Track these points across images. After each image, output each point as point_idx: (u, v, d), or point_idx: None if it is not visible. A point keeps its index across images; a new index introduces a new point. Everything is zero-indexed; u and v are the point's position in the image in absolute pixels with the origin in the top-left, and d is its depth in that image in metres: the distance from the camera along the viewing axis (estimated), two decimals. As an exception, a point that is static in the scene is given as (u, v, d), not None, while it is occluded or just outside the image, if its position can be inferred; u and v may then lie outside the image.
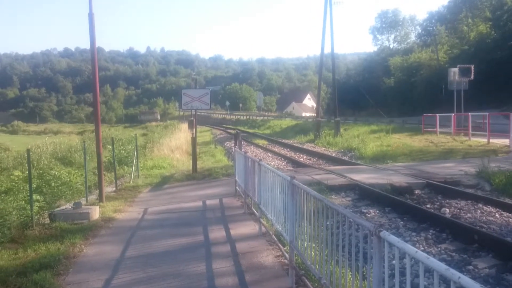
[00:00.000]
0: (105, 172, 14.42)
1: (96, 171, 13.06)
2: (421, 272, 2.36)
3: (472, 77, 23.76)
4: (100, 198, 11.77)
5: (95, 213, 9.73)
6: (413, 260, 2.44)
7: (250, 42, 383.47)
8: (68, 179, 13.27)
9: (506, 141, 17.01)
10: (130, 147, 21.38)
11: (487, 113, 20.31)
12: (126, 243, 7.60)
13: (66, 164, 21.85)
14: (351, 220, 3.42)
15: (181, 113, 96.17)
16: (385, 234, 2.70)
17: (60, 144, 29.13)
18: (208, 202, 10.92)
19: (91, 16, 11.70)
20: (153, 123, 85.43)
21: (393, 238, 2.61)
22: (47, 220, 9.41)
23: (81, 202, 10.33)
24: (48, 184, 12.06)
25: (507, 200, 9.29)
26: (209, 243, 7.27)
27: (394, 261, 3.72)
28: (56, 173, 13.47)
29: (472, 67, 23.97)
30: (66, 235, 8.03)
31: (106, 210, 10.45)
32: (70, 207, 10.00)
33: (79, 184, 13.56)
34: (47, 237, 8.06)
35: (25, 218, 8.91)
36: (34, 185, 10.11)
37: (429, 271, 2.21)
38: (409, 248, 2.42)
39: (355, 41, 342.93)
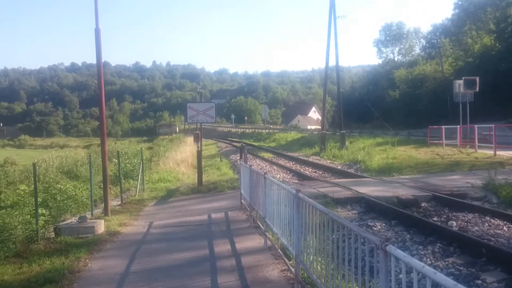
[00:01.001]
0: (110, 186, 14.46)
1: (102, 184, 13.08)
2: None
3: (477, 89, 23.69)
4: (105, 211, 11.77)
5: (100, 227, 9.72)
6: (420, 274, 2.41)
7: (255, 56, 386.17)
8: (74, 193, 13.27)
9: (512, 153, 16.92)
10: (135, 160, 21.43)
11: (493, 125, 20.21)
12: (131, 257, 7.57)
13: (72, 178, 21.88)
14: (357, 234, 3.39)
15: (186, 126, 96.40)
16: (391, 248, 2.68)
17: (66, 158, 29.21)
18: (213, 215, 10.89)
19: (97, 32, 11.83)
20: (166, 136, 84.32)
21: (400, 253, 2.59)
22: (52, 234, 9.41)
23: (87, 216, 10.33)
24: (54, 198, 12.06)
25: (515, 213, 9.19)
26: (214, 257, 7.23)
27: (400, 275, 3.69)
28: (62, 187, 13.48)
29: (477, 79, 23.90)
30: (71, 249, 8.02)
31: (111, 224, 10.45)
32: (75, 221, 10.00)
33: (85, 198, 13.55)
34: (52, 251, 8.05)
35: (30, 232, 8.91)
36: (39, 199, 10.12)
37: (436, 285, 2.17)
38: (415, 262, 2.40)
39: (360, 54, 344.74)
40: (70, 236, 9.01)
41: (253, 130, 75.76)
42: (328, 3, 29.81)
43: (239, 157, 19.31)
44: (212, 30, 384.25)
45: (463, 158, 18.12)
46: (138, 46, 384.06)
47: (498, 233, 7.78)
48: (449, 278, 2.09)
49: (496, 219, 8.66)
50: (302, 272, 5.33)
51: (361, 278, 3.59)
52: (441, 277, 2.14)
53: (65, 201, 12.22)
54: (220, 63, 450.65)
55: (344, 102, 35.61)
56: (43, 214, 10.03)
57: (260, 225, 8.21)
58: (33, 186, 10.18)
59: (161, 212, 12.53)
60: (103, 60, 12.45)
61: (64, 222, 10.29)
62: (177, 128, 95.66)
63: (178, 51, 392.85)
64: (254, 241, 7.91)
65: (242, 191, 10.85)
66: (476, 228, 8.14)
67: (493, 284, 5.58)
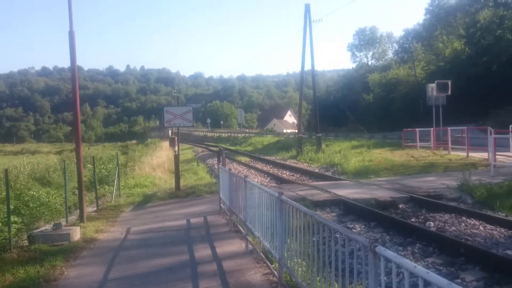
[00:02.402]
0: (85, 192, 14.13)
1: (76, 191, 12.80)
2: None
3: (449, 92, 24.21)
4: (81, 218, 11.50)
5: (76, 234, 9.48)
6: (410, 274, 2.39)
7: (230, 60, 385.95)
8: (47, 200, 12.90)
9: (484, 155, 17.27)
10: (111, 165, 21.05)
11: (465, 128, 20.66)
12: (109, 264, 7.40)
13: (45, 184, 21.32)
14: (344, 235, 3.37)
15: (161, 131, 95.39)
16: (380, 249, 2.66)
17: (38, 164, 28.49)
18: (192, 220, 10.76)
19: (71, 34, 11.58)
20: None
21: (390, 253, 2.57)
22: (26, 242, 9.13)
23: (61, 223, 10.08)
24: (26, 205, 11.69)
25: (490, 213, 9.38)
26: (194, 262, 7.12)
27: (386, 277, 3.68)
28: (35, 193, 13.10)
29: (449, 82, 24.43)
30: (46, 257, 7.78)
31: (88, 230, 10.21)
32: (49, 228, 9.73)
33: (59, 204, 13.20)
34: (26, 260, 7.80)
35: (3, 240, 8.62)
36: (11, 207, 9.81)
37: (428, 285, 2.16)
38: (407, 263, 2.38)
39: (334, 58, 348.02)
40: (45, 244, 8.75)
41: (229, 134, 75.62)
42: (303, 8, 30.09)
43: (216, 161, 19.20)
44: (187, 34, 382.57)
45: (438, 160, 18.45)
46: (112, 50, 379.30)
47: (474, 233, 7.92)
48: (443, 278, 2.08)
49: (472, 219, 8.83)
50: (285, 275, 5.30)
51: (348, 279, 3.56)
52: (434, 277, 2.12)
53: (38, 208, 11.87)
54: (195, 67, 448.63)
55: (320, 106, 35.89)
56: (15, 222, 9.71)
57: (241, 229, 8.15)
58: (4, 193, 9.85)
59: (139, 217, 12.32)
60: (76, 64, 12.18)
61: (38, 230, 10.01)
62: (170, 131, 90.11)
63: (153, 55, 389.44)
64: (235, 245, 7.83)
65: (221, 195, 10.76)
66: (453, 228, 8.27)
67: (473, 282, 5.66)
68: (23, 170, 25.32)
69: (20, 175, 23.33)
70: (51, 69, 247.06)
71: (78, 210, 12.05)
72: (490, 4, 43.27)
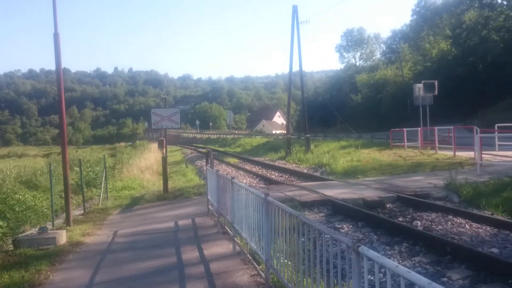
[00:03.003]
0: (72, 195, 14.01)
1: (63, 194, 12.66)
2: (402, 287, 2.31)
3: (436, 92, 24.42)
4: (67, 221, 11.39)
5: (62, 237, 9.38)
6: (393, 274, 2.40)
7: (219, 61, 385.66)
8: (33, 203, 12.77)
9: (471, 154, 17.45)
10: (98, 168, 20.90)
11: (452, 127, 20.85)
12: (96, 267, 7.32)
13: (31, 187, 21.10)
14: (328, 235, 3.37)
15: (150, 133, 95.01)
16: (363, 249, 2.66)
17: (25, 167, 28.18)
18: (180, 222, 10.71)
19: (56, 37, 11.48)
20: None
21: (372, 253, 2.57)
22: (11, 247, 9.01)
23: (47, 226, 9.97)
24: (12, 209, 11.55)
25: (476, 211, 9.47)
26: (182, 264, 7.08)
27: (372, 277, 3.68)
28: (21, 197, 12.94)
29: (436, 82, 24.65)
30: (31, 262, 7.68)
31: (74, 234, 10.11)
32: (35, 232, 9.61)
33: (45, 208, 13.07)
34: (11, 265, 7.69)
35: (-13, 245, 8.50)
36: (-3, 211, 9.69)
37: (411, 285, 2.16)
38: (389, 262, 2.38)
39: (322, 59, 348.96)
40: (30, 248, 8.64)
41: (218, 135, 75.52)
42: (291, 9, 30.17)
43: (205, 163, 19.15)
44: (175, 36, 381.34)
45: (425, 159, 18.59)
46: (99, 52, 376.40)
47: (461, 231, 7.99)
48: (424, 277, 2.08)
49: (458, 217, 8.90)
50: (272, 276, 5.29)
51: (333, 280, 3.56)
52: (415, 276, 2.13)
53: (24, 212, 11.74)
54: (184, 69, 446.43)
55: (308, 106, 35.97)
56: (0, 226, 9.59)
57: (229, 230, 8.13)
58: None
59: (126, 220, 12.23)
60: (62, 67, 12.07)
61: (24, 234, 9.88)
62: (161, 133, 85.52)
63: (141, 57, 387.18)
64: (222, 247, 7.81)
65: (209, 197, 10.73)
66: (440, 227, 8.33)
67: (459, 281, 5.70)
68: (10, 174, 25.01)
69: (6, 179, 23.03)
70: (38, 71, 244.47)
71: (65, 214, 11.92)
72: (476, 5, 43.76)
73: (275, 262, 4.90)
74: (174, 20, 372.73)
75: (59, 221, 12.14)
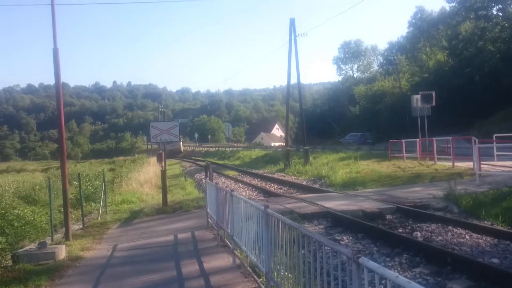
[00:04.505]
0: (71, 209, 13.98)
1: (62, 208, 12.63)
2: (402, 298, 2.32)
3: (434, 103, 24.51)
4: (66, 236, 11.35)
5: (62, 252, 9.35)
6: (394, 285, 2.40)
7: (217, 74, 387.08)
8: (32, 218, 12.73)
9: (470, 164, 17.47)
10: (97, 182, 20.86)
11: (450, 138, 20.89)
12: (95, 282, 7.29)
13: (30, 202, 21.05)
14: (328, 247, 3.37)
15: (149, 146, 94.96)
16: (364, 260, 2.67)
17: (24, 182, 28.14)
18: (179, 235, 10.68)
19: (55, 52, 11.56)
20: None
21: (372, 264, 2.58)
22: (10, 262, 8.97)
23: (46, 241, 9.92)
24: (11, 224, 11.51)
25: (475, 222, 9.46)
26: (182, 278, 7.06)
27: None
28: (19, 212, 12.90)
29: (434, 93, 24.74)
30: (30, 277, 7.65)
31: (73, 248, 10.07)
32: (34, 247, 9.57)
33: (44, 223, 13.02)
34: (10, 280, 7.66)
35: (-14, 261, 8.46)
36: (-4, 226, 9.66)
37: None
38: (389, 273, 2.40)
39: (320, 71, 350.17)
40: (29, 263, 8.61)
41: (217, 148, 75.49)
42: (288, 22, 30.41)
43: (204, 176, 19.15)
44: (173, 49, 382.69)
45: (424, 170, 18.60)
46: (98, 66, 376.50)
47: (461, 242, 7.98)
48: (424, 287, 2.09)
49: (458, 228, 8.89)
50: (272, 289, 5.27)
51: (334, 292, 3.55)
52: (415, 287, 2.13)
53: (23, 227, 11.70)
54: (182, 82, 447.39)
55: (307, 118, 36.11)
56: (-1, 242, 9.55)
57: (228, 243, 8.11)
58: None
59: (125, 234, 12.19)
60: (61, 81, 12.14)
61: (23, 249, 9.83)
62: (181, 143, 77.67)
63: (139, 71, 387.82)
64: (222, 260, 7.79)
65: (208, 210, 10.72)
66: (440, 237, 8.32)
67: (460, 292, 5.68)
68: (8, 189, 24.95)
69: (5, 194, 22.97)
70: (37, 86, 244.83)
71: (64, 228, 11.88)
72: (471, 16, 44.09)
73: (275, 274, 4.90)
74: (172, 34, 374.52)
75: (58, 235, 12.10)
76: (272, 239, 4.86)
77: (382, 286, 2.61)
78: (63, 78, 11.70)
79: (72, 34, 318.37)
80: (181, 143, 72.35)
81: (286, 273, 4.59)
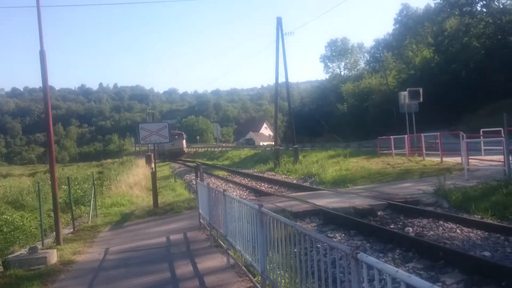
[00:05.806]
0: (61, 214, 13.84)
1: (51, 213, 12.51)
2: (403, 292, 2.33)
3: (421, 99, 24.72)
4: (57, 241, 11.24)
5: (53, 257, 9.26)
6: (393, 280, 2.42)
7: (204, 75, 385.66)
8: (21, 223, 12.61)
9: (458, 159, 17.65)
10: (86, 185, 20.70)
11: (438, 133, 21.08)
12: (89, 286, 7.24)
13: (18, 207, 20.83)
14: (326, 244, 3.38)
15: (137, 148, 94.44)
16: (362, 256, 2.68)
17: (10, 187, 27.83)
18: (172, 237, 10.64)
19: (42, 54, 11.43)
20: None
21: (372, 259, 2.59)
22: (1, 268, 8.87)
23: (37, 246, 9.83)
24: (0, 230, 11.41)
25: (466, 216, 9.56)
26: (176, 279, 7.03)
27: (370, 283, 3.70)
28: (8, 217, 12.78)
29: (421, 90, 24.95)
30: (22, 282, 7.58)
31: (65, 253, 9.98)
32: (25, 253, 9.47)
33: (34, 228, 12.91)
34: (1, 286, 7.57)
35: (-24, 267, 8.35)
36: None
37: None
38: (389, 268, 2.41)
39: (307, 69, 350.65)
40: (21, 269, 8.51)
41: (206, 149, 75.41)
42: (276, 21, 30.45)
43: (194, 177, 19.06)
44: (159, 50, 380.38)
45: (413, 166, 18.75)
46: (83, 68, 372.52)
47: (452, 236, 8.06)
48: (425, 281, 2.10)
49: (449, 222, 8.98)
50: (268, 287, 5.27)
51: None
52: (416, 280, 2.15)
53: (13, 233, 11.60)
54: (169, 83, 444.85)
55: (295, 117, 36.11)
56: (-12, 248, 9.45)
57: (222, 243, 8.09)
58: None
59: (117, 237, 12.10)
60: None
61: (13, 255, 9.73)
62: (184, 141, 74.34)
63: (126, 72, 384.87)
64: (216, 260, 7.77)
65: (200, 211, 10.68)
66: (432, 232, 8.39)
67: (453, 285, 5.73)
68: (-5, 195, 24.66)
69: (-9, 200, 22.70)
70: (22, 89, 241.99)
71: (54, 233, 11.77)
72: (456, 13, 44.51)
73: (271, 273, 4.90)
74: (158, 35, 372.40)
75: (49, 240, 11.98)
76: (267, 237, 4.86)
77: (380, 281, 2.62)
78: (49, 81, 11.60)
79: (57, 36, 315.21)
80: (184, 141, 67.24)
81: (282, 271, 4.59)
